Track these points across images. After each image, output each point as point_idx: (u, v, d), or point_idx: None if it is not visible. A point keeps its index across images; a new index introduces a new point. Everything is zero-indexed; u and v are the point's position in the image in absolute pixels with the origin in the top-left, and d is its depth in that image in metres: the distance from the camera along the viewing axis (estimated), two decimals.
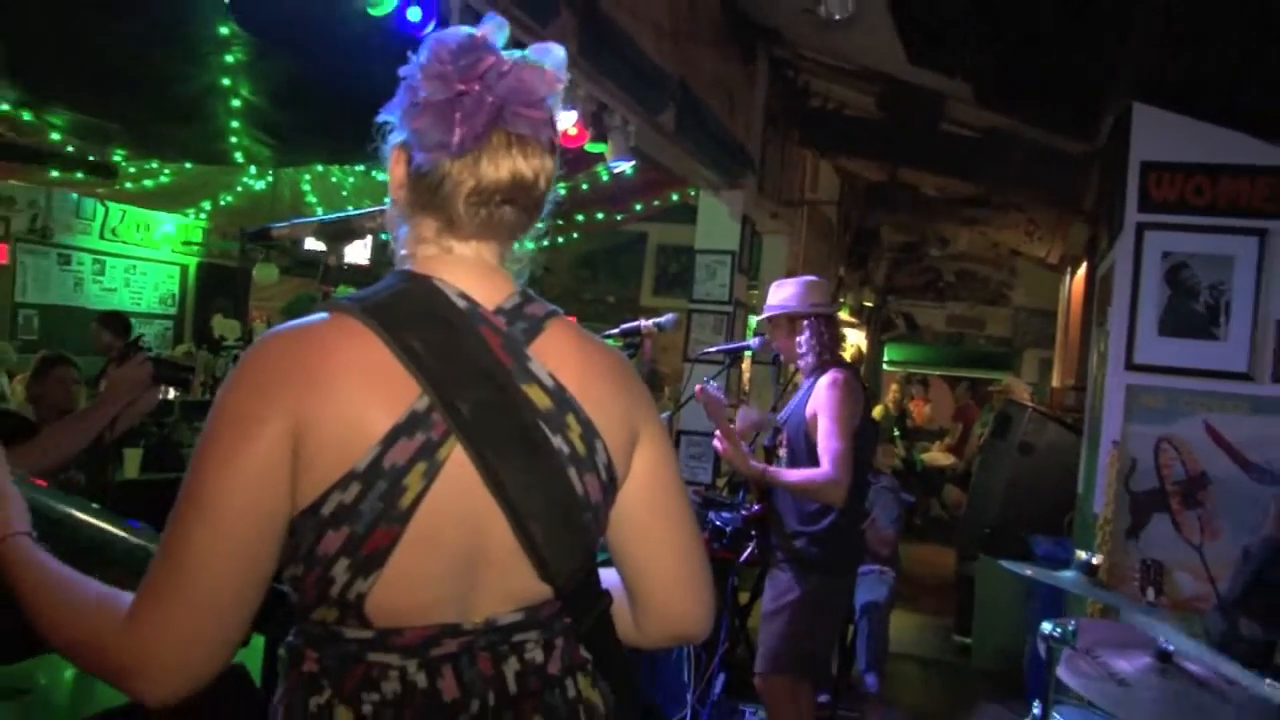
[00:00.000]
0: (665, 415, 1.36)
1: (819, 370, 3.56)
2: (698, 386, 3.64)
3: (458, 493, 1.17)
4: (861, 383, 3.66)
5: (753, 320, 5.38)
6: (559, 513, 1.23)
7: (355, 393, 1.14)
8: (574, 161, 5.42)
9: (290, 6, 3.91)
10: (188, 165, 7.05)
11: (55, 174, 6.86)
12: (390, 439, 1.14)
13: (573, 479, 1.24)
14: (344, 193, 7.84)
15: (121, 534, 1.51)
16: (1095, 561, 2.95)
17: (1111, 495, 4.35)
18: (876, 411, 7.36)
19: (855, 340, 11.72)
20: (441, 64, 1.19)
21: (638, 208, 8.65)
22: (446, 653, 1.21)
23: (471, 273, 1.28)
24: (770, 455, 3.70)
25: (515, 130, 1.21)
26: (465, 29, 1.24)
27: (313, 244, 1.77)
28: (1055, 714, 2.77)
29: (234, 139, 5.57)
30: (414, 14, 3.26)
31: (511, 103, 1.20)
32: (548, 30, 3.63)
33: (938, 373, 14.44)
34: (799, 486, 3.44)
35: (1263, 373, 4.18)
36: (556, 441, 1.23)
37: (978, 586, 6.20)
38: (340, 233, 1.71)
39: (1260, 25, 3.58)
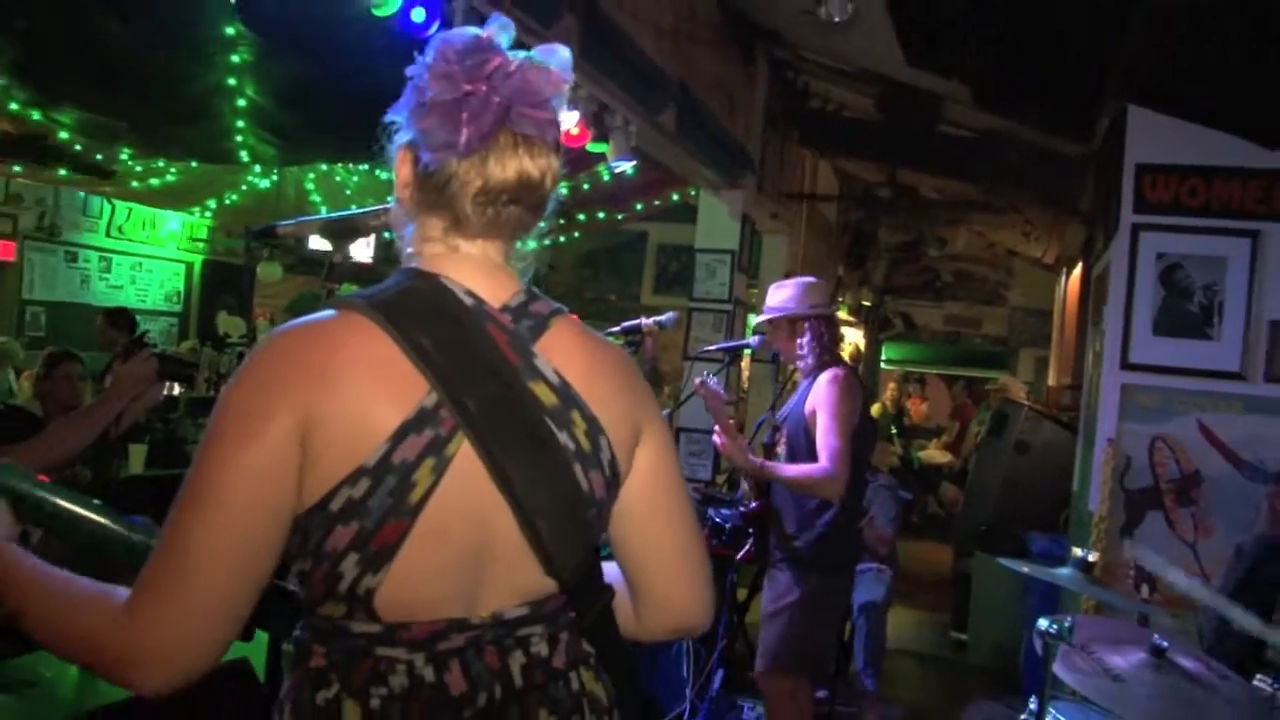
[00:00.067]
0: (665, 412, 1.39)
1: (819, 369, 3.57)
2: (697, 380, 3.65)
3: (465, 488, 1.18)
4: (860, 381, 3.69)
5: (752, 319, 5.41)
6: (565, 509, 1.23)
7: (364, 389, 1.15)
8: (575, 161, 5.45)
9: (295, 7, 3.93)
10: (193, 164, 7.06)
11: (62, 173, 6.88)
12: (400, 435, 1.14)
13: (578, 475, 1.24)
14: (348, 191, 7.85)
15: (123, 530, 1.52)
16: (1092, 559, 2.98)
17: (1106, 493, 4.38)
18: (874, 410, 7.37)
19: (853, 339, 11.74)
20: (448, 64, 1.19)
21: (638, 207, 8.67)
22: (453, 647, 1.21)
23: (478, 271, 1.28)
24: (769, 453, 3.71)
25: (521, 130, 1.21)
26: (471, 30, 1.24)
27: (317, 242, 1.78)
28: (1051, 709, 2.80)
29: (239, 138, 5.59)
30: (418, 15, 3.28)
31: (518, 103, 1.20)
32: (550, 32, 3.65)
33: (935, 371, 14.46)
34: (797, 481, 3.45)
35: (1255, 372, 4.21)
36: (562, 438, 1.24)
37: (974, 583, 6.22)
38: (344, 231, 1.72)
39: (1254, 30, 3.60)
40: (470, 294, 1.26)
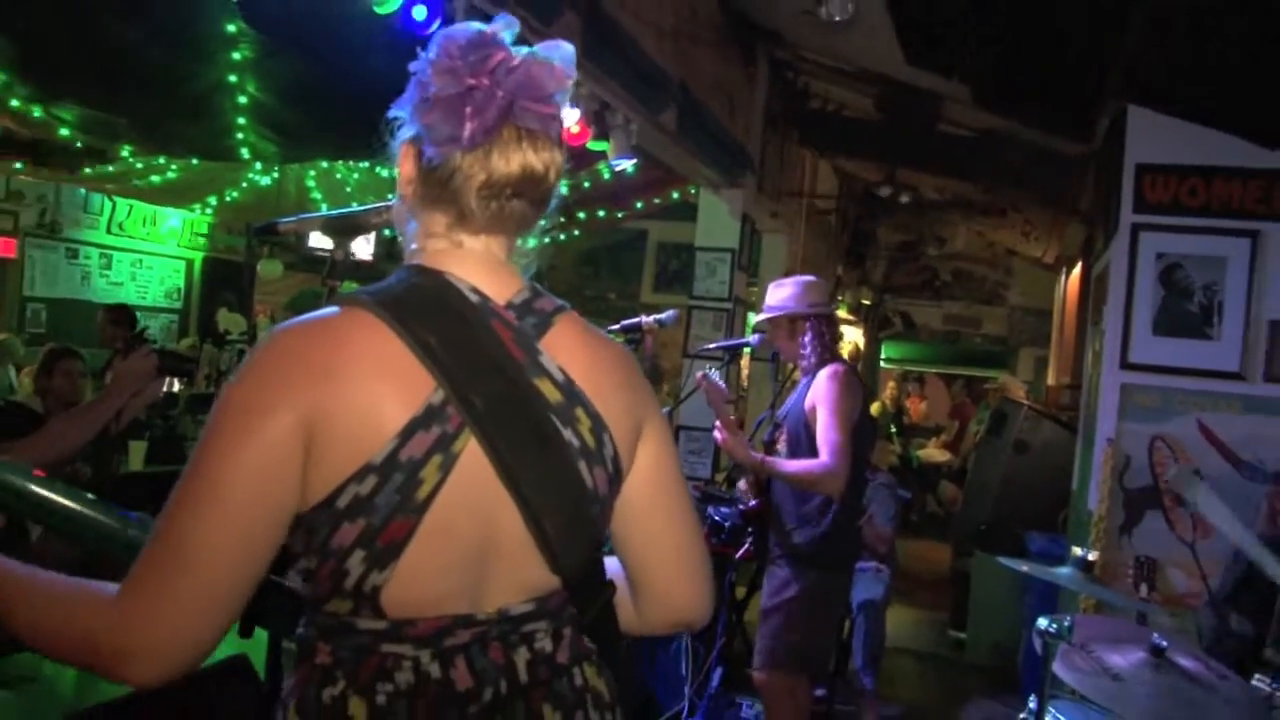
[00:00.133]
0: (665, 410, 1.39)
1: (819, 367, 3.57)
2: (699, 374, 3.65)
3: (472, 485, 1.18)
4: (859, 378, 3.69)
5: (752, 317, 5.41)
6: (570, 506, 1.24)
7: (370, 385, 1.14)
8: (576, 159, 5.46)
9: (297, 5, 3.94)
10: (194, 161, 7.06)
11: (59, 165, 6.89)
12: (407, 432, 1.14)
13: (583, 472, 1.25)
14: (348, 189, 7.85)
15: (117, 524, 1.52)
16: (1091, 558, 2.99)
17: (1106, 492, 4.38)
18: (874, 409, 7.38)
19: (852, 338, 11.75)
20: (451, 59, 1.19)
21: (639, 205, 8.68)
22: (459, 643, 1.21)
23: (482, 267, 1.28)
24: (769, 451, 3.71)
25: (525, 124, 1.21)
26: (475, 24, 1.24)
27: (318, 239, 1.78)
28: (1051, 708, 2.80)
29: (240, 135, 5.59)
30: (419, 12, 3.29)
31: (521, 97, 1.20)
32: (551, 30, 3.66)
33: (934, 370, 14.47)
34: (798, 476, 3.44)
35: (1255, 372, 4.21)
36: (567, 435, 1.24)
37: (973, 582, 6.22)
38: (346, 228, 1.71)
39: (1254, 30, 3.61)
40: (475, 291, 1.25)
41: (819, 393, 3.46)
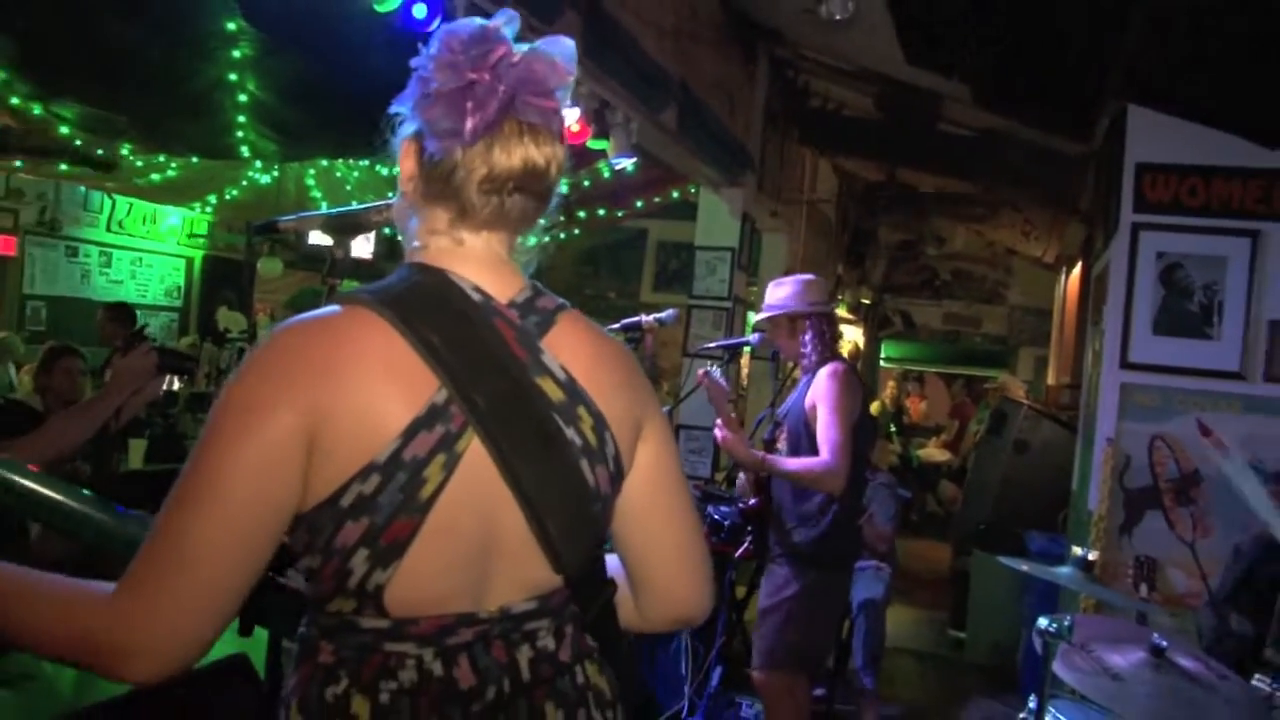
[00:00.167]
0: (665, 410, 1.39)
1: (819, 365, 3.57)
2: (701, 371, 3.65)
3: (475, 484, 1.18)
4: (859, 377, 3.69)
5: (751, 316, 5.41)
6: (572, 505, 1.24)
7: (373, 384, 1.14)
8: (576, 158, 5.45)
9: (297, 3, 3.94)
10: (194, 159, 7.06)
11: (64, 168, 6.88)
12: (411, 431, 1.14)
13: (585, 471, 1.25)
14: (348, 187, 7.85)
15: (113, 520, 1.52)
16: (1091, 558, 2.99)
17: (1106, 492, 4.38)
18: (873, 408, 7.39)
19: (852, 337, 11.75)
20: (453, 54, 1.19)
21: (639, 204, 8.68)
22: (462, 641, 1.22)
23: (484, 266, 1.28)
24: (769, 450, 3.71)
25: (526, 118, 1.21)
26: (477, 20, 1.24)
27: (318, 238, 1.78)
28: (1051, 708, 2.80)
29: (240, 133, 5.59)
30: (419, 11, 3.29)
31: (523, 91, 1.20)
32: (552, 29, 3.65)
33: (934, 370, 14.46)
34: (798, 474, 3.44)
35: (1254, 372, 4.21)
36: (570, 434, 1.24)
37: (972, 582, 6.22)
38: (346, 227, 1.71)
39: (1254, 29, 3.61)
40: (477, 290, 1.25)
41: (819, 391, 3.46)
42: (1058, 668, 2.44)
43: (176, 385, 5.87)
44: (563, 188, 1.34)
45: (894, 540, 5.66)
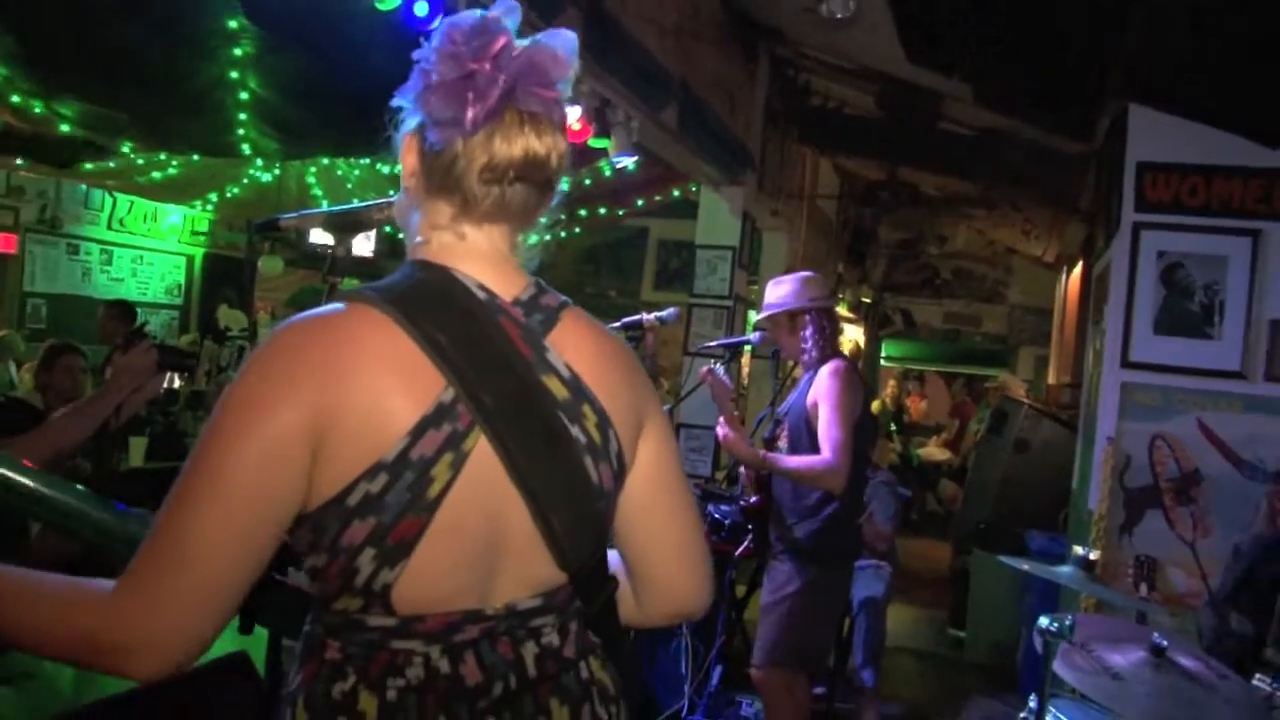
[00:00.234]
0: (665, 408, 1.39)
1: (821, 363, 3.57)
2: (704, 368, 3.65)
3: (481, 483, 1.18)
4: (860, 376, 3.69)
5: (752, 315, 5.41)
6: (577, 502, 1.24)
7: (380, 383, 1.14)
8: (577, 156, 5.45)
9: (299, 1, 3.94)
10: (195, 158, 7.06)
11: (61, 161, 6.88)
12: (419, 430, 1.14)
13: (589, 469, 1.25)
14: (349, 185, 7.86)
15: (112, 518, 1.52)
16: (1092, 557, 2.99)
17: (1106, 491, 4.38)
18: (874, 407, 7.39)
19: (853, 336, 11.75)
20: (454, 45, 1.19)
21: (639, 203, 8.69)
22: (468, 638, 1.22)
23: (487, 263, 1.28)
24: (770, 447, 3.71)
25: (527, 108, 1.21)
26: (478, 11, 1.24)
27: (319, 236, 1.78)
28: (1051, 707, 2.80)
29: (241, 132, 5.58)
30: (421, 9, 3.29)
31: (524, 81, 1.20)
32: (552, 26, 3.66)
33: (934, 369, 14.46)
34: (799, 472, 3.45)
35: (1255, 372, 4.21)
36: (574, 431, 1.25)
37: (973, 581, 6.21)
38: (347, 225, 1.71)
39: (1255, 29, 3.61)
40: (482, 288, 1.26)
41: (821, 389, 3.46)
42: (1058, 667, 2.44)
43: (177, 383, 5.89)
44: (564, 186, 1.34)
45: (894, 539, 5.67)
